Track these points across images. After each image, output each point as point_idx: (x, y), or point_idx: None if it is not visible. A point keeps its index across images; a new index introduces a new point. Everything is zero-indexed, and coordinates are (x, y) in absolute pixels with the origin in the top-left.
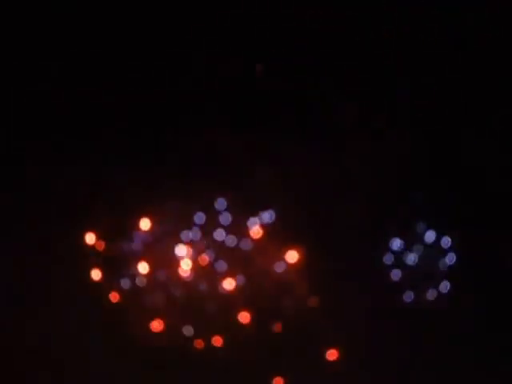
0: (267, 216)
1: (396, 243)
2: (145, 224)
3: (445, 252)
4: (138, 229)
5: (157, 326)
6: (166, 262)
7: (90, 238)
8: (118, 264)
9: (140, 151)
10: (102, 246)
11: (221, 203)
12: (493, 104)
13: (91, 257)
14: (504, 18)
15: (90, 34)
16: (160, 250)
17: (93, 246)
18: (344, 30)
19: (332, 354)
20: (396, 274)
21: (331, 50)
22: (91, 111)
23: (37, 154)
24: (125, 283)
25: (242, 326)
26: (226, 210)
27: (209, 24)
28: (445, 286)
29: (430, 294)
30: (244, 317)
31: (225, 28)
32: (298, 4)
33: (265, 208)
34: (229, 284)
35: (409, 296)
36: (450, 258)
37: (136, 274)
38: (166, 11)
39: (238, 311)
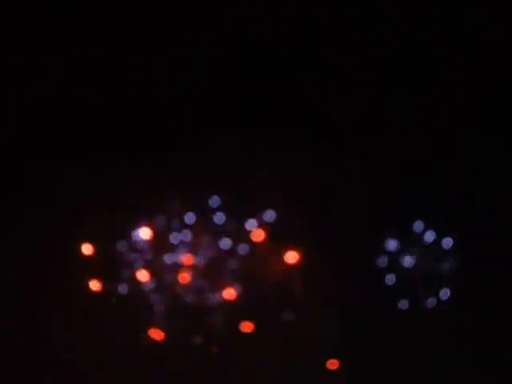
0: (267, 216)
1: (394, 244)
2: (144, 232)
3: (445, 254)
4: (137, 235)
5: (156, 334)
6: (166, 269)
7: (87, 248)
8: (116, 271)
9: (139, 152)
10: (100, 251)
11: (219, 204)
12: (493, 104)
13: (89, 264)
14: (504, 17)
15: (89, 34)
16: (160, 257)
17: (91, 253)
18: (344, 30)
19: (333, 364)
20: (394, 277)
21: (331, 49)
22: (91, 111)
23: (37, 154)
24: (123, 290)
25: (242, 334)
26: (225, 211)
27: (209, 24)
28: (445, 291)
29: (430, 298)
30: (246, 326)
31: (225, 28)
32: (297, 4)
33: (265, 208)
34: (229, 294)
35: (409, 299)
36: (451, 260)
37: (135, 281)
38: (166, 11)
39: (239, 319)
